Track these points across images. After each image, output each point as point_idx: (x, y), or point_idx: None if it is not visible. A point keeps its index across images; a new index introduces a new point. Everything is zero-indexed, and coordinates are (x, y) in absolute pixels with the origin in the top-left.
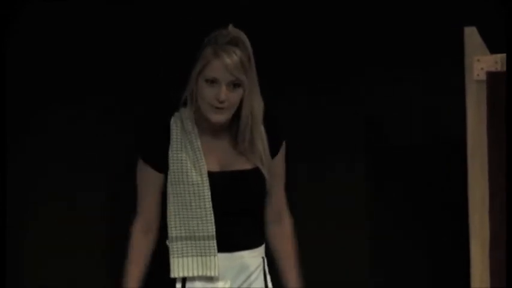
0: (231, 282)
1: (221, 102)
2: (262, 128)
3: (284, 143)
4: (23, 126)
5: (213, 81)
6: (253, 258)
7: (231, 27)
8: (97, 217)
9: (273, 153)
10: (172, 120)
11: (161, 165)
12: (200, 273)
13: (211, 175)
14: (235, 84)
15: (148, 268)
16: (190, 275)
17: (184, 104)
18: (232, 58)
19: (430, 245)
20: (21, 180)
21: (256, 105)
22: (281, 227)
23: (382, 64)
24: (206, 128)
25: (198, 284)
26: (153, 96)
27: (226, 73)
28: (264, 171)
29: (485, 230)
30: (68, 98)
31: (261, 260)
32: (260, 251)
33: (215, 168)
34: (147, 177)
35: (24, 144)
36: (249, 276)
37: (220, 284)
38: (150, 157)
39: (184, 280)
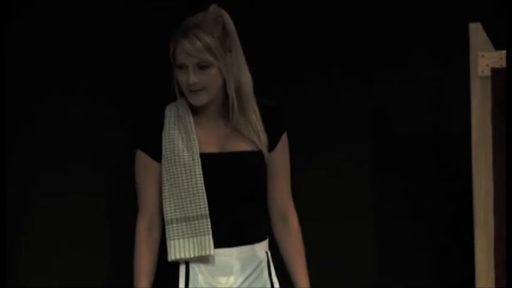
0: (233, 278)
1: (192, 85)
2: (255, 105)
3: (285, 134)
4: (23, 126)
5: (182, 67)
6: (257, 253)
7: (212, 7)
8: (97, 217)
9: (273, 144)
10: (167, 108)
11: (157, 152)
12: (197, 254)
13: (208, 156)
14: (203, 66)
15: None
16: (187, 256)
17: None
18: (192, 42)
19: (434, 243)
20: (21, 180)
21: (244, 81)
22: (287, 225)
23: (385, 61)
24: (201, 112)
25: (200, 279)
26: (154, 96)
27: (189, 57)
28: (263, 149)
29: (489, 227)
30: (69, 98)
31: (265, 254)
32: (263, 245)
33: (213, 149)
34: (145, 167)
35: (24, 144)
36: (252, 272)
37: (222, 280)
38: (146, 145)
39: (187, 278)
